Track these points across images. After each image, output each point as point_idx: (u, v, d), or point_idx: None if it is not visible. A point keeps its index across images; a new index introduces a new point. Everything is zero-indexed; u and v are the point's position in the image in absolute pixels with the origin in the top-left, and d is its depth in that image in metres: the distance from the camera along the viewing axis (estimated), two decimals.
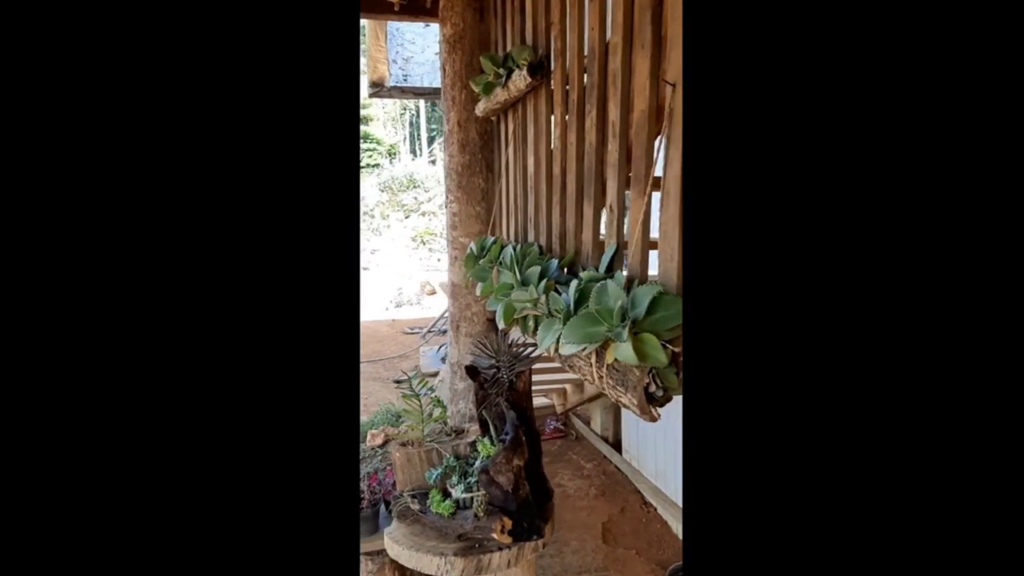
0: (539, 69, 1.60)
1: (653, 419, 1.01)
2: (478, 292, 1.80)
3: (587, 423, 4.17)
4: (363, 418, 3.35)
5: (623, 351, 0.97)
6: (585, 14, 1.37)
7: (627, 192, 1.21)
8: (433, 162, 15.78)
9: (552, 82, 1.58)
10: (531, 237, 1.78)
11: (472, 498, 1.85)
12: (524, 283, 1.40)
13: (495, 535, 1.73)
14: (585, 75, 1.36)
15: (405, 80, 5.76)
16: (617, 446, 3.72)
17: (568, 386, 3.74)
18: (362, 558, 2.25)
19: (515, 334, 1.90)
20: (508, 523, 1.74)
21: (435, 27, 5.68)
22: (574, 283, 1.18)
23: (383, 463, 3.44)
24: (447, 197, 2.36)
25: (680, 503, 2.91)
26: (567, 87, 1.51)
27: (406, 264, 10.80)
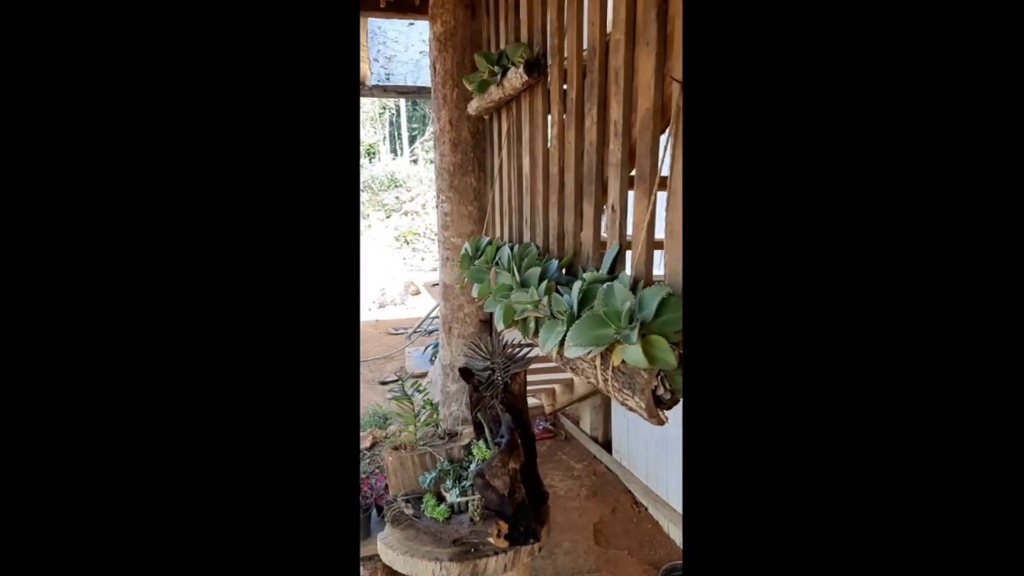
0: (536, 67, 1.58)
1: (661, 422, 1.00)
2: (475, 293, 1.77)
3: (576, 423, 4.16)
4: None
5: (631, 354, 0.95)
6: (584, 11, 1.35)
7: (629, 192, 1.20)
8: (415, 161, 15.68)
9: (549, 80, 1.56)
10: (527, 237, 1.76)
11: (467, 502, 1.82)
12: (524, 284, 1.38)
13: (491, 539, 1.71)
14: (585, 73, 1.35)
15: (388, 79, 5.71)
16: (607, 446, 3.72)
17: (557, 386, 3.73)
18: None
19: (509, 335, 1.88)
20: (504, 527, 1.72)
21: (419, 25, 5.65)
22: (577, 284, 1.16)
23: (372, 465, 3.40)
24: (438, 197, 2.33)
25: (671, 503, 2.91)
26: (565, 85, 1.49)
27: (389, 264, 10.71)
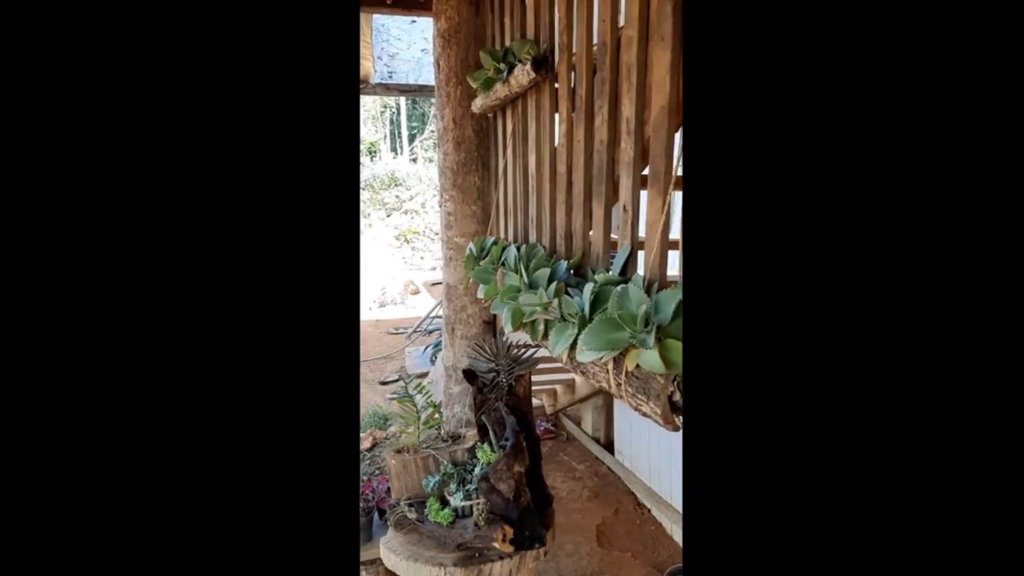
0: (543, 64, 1.55)
1: (676, 428, 0.97)
2: (480, 295, 1.74)
3: (578, 423, 4.14)
4: None
5: (647, 358, 0.92)
6: (595, 7, 1.32)
7: (641, 192, 1.17)
8: (415, 160, 15.64)
9: (557, 77, 1.53)
10: (533, 237, 1.73)
11: (471, 506, 1.80)
12: (532, 286, 1.35)
13: (496, 544, 1.69)
14: (595, 70, 1.32)
15: (390, 77, 5.68)
16: (609, 447, 3.69)
17: (558, 387, 3.71)
18: None
19: (514, 337, 1.85)
20: (510, 532, 1.69)
21: (421, 23, 5.62)
22: (588, 286, 1.13)
23: (372, 467, 3.37)
24: (441, 196, 2.29)
25: (675, 505, 2.89)
26: (573, 83, 1.46)
27: (389, 263, 10.68)
